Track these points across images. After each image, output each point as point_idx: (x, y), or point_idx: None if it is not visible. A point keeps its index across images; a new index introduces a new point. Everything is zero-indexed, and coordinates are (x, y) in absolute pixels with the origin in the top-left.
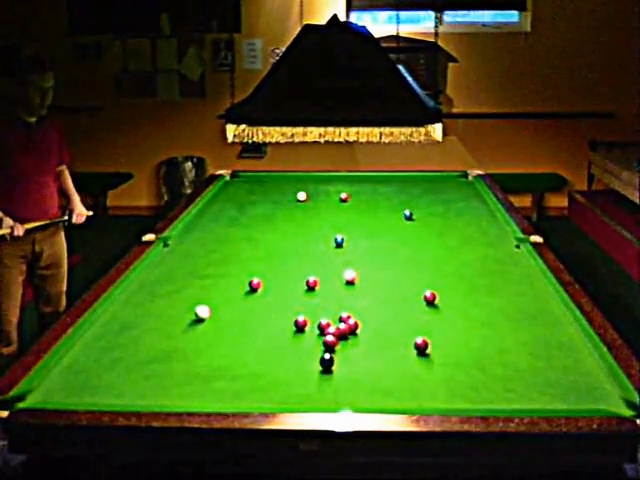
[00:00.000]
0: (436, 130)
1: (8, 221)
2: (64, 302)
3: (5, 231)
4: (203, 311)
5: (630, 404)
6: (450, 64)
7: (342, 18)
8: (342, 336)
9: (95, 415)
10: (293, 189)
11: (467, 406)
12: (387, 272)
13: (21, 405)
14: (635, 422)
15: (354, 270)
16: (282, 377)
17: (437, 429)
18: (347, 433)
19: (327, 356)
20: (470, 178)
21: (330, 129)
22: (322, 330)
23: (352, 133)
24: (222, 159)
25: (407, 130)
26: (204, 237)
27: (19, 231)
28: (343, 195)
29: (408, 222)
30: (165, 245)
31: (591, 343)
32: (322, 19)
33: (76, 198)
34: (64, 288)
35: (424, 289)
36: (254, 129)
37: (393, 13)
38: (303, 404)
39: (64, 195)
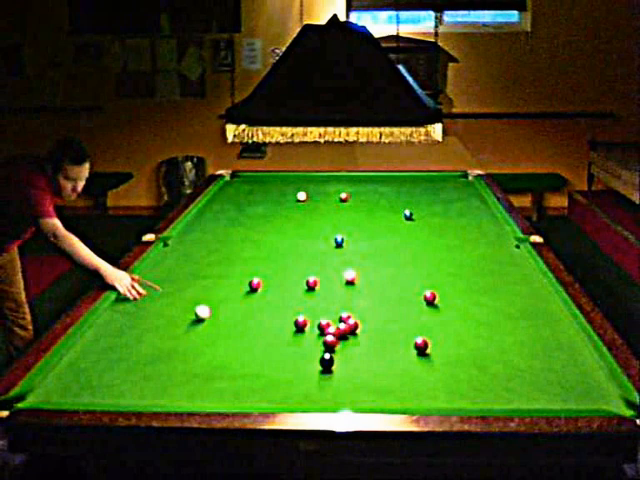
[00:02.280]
0: (436, 130)
1: (124, 278)
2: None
3: (122, 289)
4: (203, 311)
5: (630, 404)
6: (450, 64)
7: (342, 18)
8: (342, 336)
9: (95, 415)
10: (293, 189)
11: (467, 406)
12: (387, 272)
13: (21, 405)
14: (635, 422)
15: (354, 270)
16: (282, 377)
17: (437, 429)
18: (347, 433)
19: (327, 356)
20: (470, 178)
21: (330, 129)
22: (322, 330)
23: (352, 133)
24: (222, 159)
25: (407, 130)
26: (204, 237)
27: (136, 293)
28: (343, 195)
29: (408, 222)
30: (165, 245)
31: (591, 343)
32: (322, 19)
33: None
34: (21, 288)
35: (424, 289)
36: (254, 129)
37: (393, 13)
38: (303, 404)
39: None
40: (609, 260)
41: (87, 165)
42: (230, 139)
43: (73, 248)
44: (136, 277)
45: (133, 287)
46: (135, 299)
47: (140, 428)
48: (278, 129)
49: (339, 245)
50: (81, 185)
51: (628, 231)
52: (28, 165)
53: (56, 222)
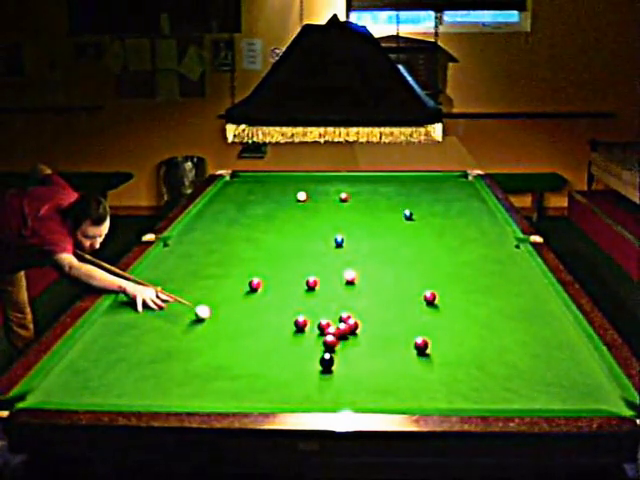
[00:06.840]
0: (436, 130)
1: (147, 290)
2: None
3: (139, 299)
4: (203, 311)
5: (630, 404)
6: (450, 64)
7: (342, 18)
8: (342, 336)
9: (95, 415)
10: (293, 189)
11: (467, 406)
12: (387, 272)
13: (21, 405)
14: (635, 422)
15: (354, 270)
16: (282, 377)
17: (437, 429)
18: (347, 433)
19: (327, 356)
20: (470, 178)
21: (330, 129)
22: (322, 330)
23: (352, 133)
24: (222, 159)
25: (407, 130)
26: (204, 237)
27: (160, 302)
28: (343, 195)
29: (408, 222)
30: (165, 245)
31: (591, 343)
32: (322, 19)
33: None
34: (23, 288)
35: (424, 289)
36: (254, 129)
37: (393, 13)
38: (303, 404)
39: None
40: (609, 260)
41: (107, 223)
42: (230, 139)
43: (91, 273)
44: (159, 288)
45: (157, 297)
46: (161, 308)
47: (140, 428)
48: (278, 129)
49: (339, 245)
50: (99, 242)
51: (628, 231)
52: (51, 212)
53: (71, 255)
